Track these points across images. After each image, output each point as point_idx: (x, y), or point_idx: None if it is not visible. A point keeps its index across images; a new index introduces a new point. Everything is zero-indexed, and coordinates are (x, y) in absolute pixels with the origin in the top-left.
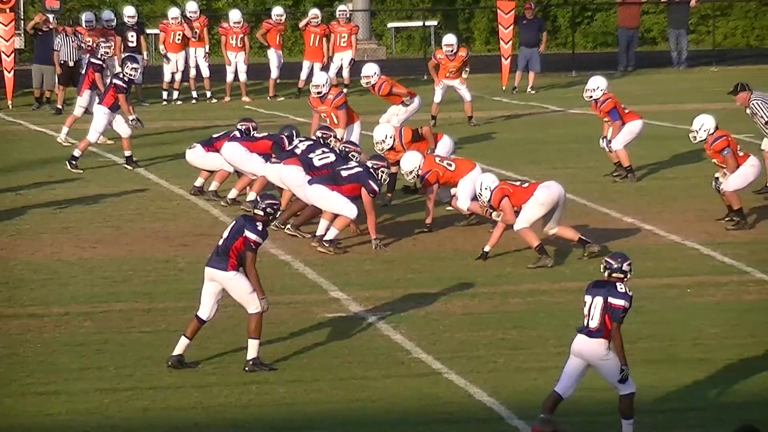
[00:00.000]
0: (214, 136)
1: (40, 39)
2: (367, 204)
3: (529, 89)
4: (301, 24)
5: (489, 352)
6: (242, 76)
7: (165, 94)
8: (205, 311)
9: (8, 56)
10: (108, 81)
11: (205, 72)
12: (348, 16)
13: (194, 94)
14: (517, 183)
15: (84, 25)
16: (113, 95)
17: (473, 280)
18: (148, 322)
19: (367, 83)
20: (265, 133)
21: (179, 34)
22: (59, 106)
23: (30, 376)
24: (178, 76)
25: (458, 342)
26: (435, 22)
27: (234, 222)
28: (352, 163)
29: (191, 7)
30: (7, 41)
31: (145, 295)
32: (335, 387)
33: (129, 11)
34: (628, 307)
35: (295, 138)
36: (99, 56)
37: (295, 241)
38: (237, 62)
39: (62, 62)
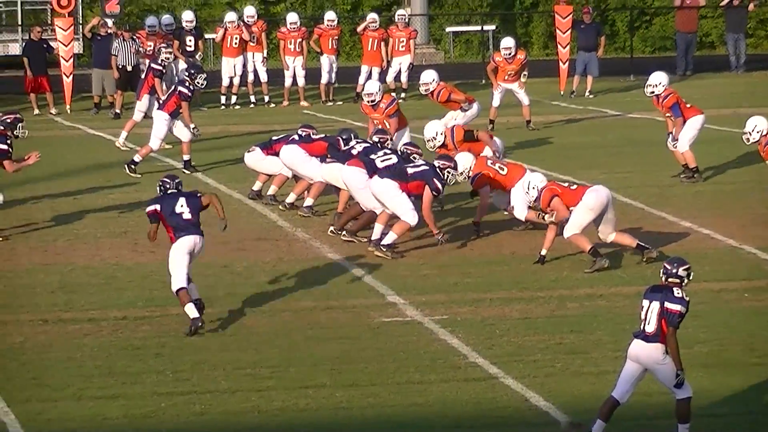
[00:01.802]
0: (274, 138)
1: (99, 43)
2: (427, 202)
3: (587, 93)
4: (360, 28)
5: (546, 356)
6: (300, 81)
7: (223, 99)
8: None
9: (67, 61)
10: (169, 87)
11: (263, 76)
12: (406, 20)
13: (252, 98)
14: (565, 184)
15: (146, 30)
16: (176, 102)
17: (530, 285)
18: (206, 326)
19: (425, 90)
20: (322, 135)
21: (237, 38)
22: (117, 111)
23: (87, 380)
24: (236, 81)
25: (515, 346)
26: (493, 27)
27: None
28: (419, 161)
29: (249, 12)
30: (66, 46)
31: (203, 299)
32: (392, 391)
33: (187, 15)
34: (685, 312)
35: (352, 140)
36: (160, 62)
37: (351, 246)
38: (295, 66)
39: (120, 67)
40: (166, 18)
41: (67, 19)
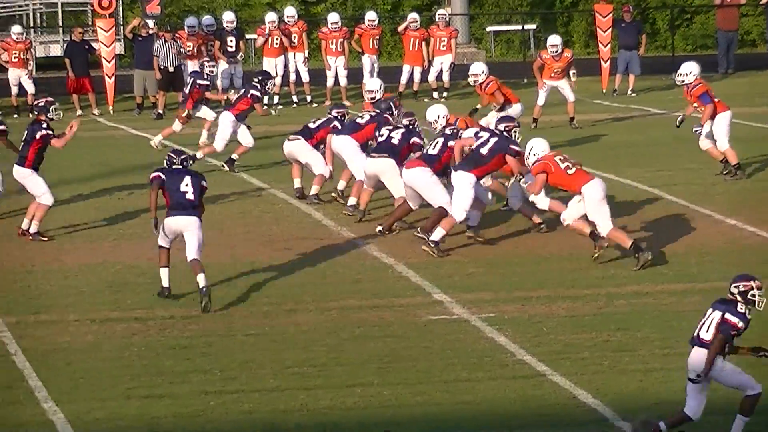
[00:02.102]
0: (311, 126)
1: (140, 44)
2: (515, 167)
3: (629, 92)
4: (400, 28)
5: (593, 353)
6: (342, 81)
7: (266, 99)
8: None
9: (109, 62)
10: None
11: (305, 77)
12: (447, 19)
13: (294, 98)
14: (563, 165)
15: (186, 30)
16: (248, 103)
17: (576, 282)
18: (252, 325)
19: (474, 81)
20: (368, 117)
21: (277, 39)
22: (160, 111)
23: (134, 379)
24: (277, 81)
25: (562, 344)
26: (534, 26)
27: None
28: (485, 135)
29: (289, 12)
30: (108, 47)
31: (250, 297)
32: (439, 389)
33: (228, 16)
34: (742, 327)
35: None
36: (205, 76)
37: (397, 245)
38: (337, 66)
39: (162, 68)
40: (207, 19)
41: (109, 20)
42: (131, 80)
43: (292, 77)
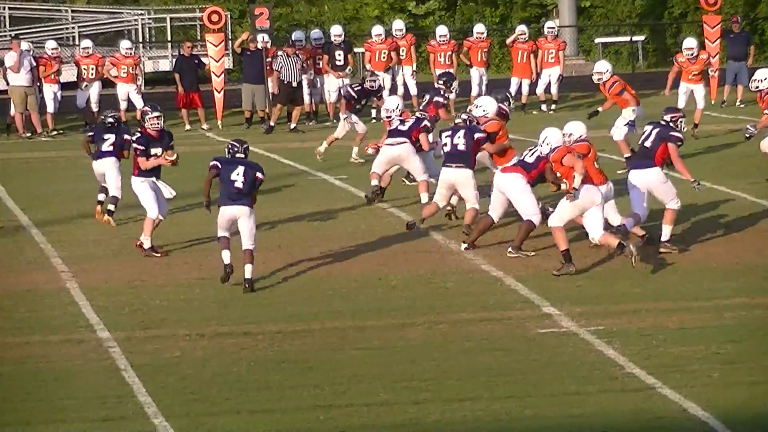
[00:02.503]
0: (401, 128)
1: (249, 58)
2: (675, 155)
3: (738, 103)
4: (509, 40)
5: (703, 366)
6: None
7: (373, 112)
8: None
9: (218, 76)
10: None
11: (413, 90)
12: (556, 32)
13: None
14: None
15: (294, 44)
16: (433, 112)
17: (685, 294)
18: (361, 340)
19: (598, 79)
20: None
21: (384, 53)
22: (271, 124)
23: (243, 394)
24: (385, 94)
25: (672, 357)
26: (642, 37)
27: None
28: (647, 129)
29: (397, 26)
30: (217, 61)
31: (359, 311)
32: (549, 402)
33: (336, 30)
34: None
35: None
36: (369, 86)
37: (505, 258)
38: None
39: (286, 82)
40: (315, 32)
41: (219, 35)
42: (239, 94)
43: (400, 90)
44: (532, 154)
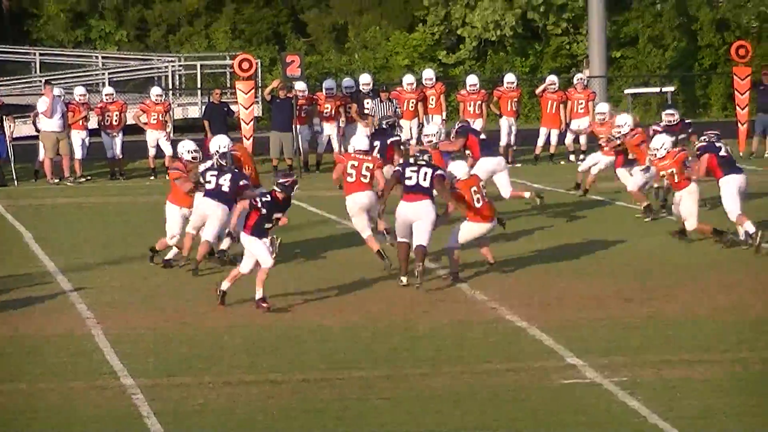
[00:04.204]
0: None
1: (278, 106)
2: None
3: (767, 154)
4: (538, 90)
5: (728, 418)
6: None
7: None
8: None
9: (247, 124)
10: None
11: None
12: (585, 82)
13: None
14: None
15: (324, 92)
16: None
17: (712, 346)
18: (388, 389)
19: (617, 132)
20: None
21: (413, 102)
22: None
23: None
24: (413, 142)
25: (696, 409)
26: (672, 88)
27: None
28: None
29: (427, 75)
30: (246, 108)
31: (385, 361)
32: None
33: (364, 78)
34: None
35: None
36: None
37: (530, 308)
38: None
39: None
40: (347, 80)
41: (249, 82)
42: (267, 142)
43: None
44: (425, 179)
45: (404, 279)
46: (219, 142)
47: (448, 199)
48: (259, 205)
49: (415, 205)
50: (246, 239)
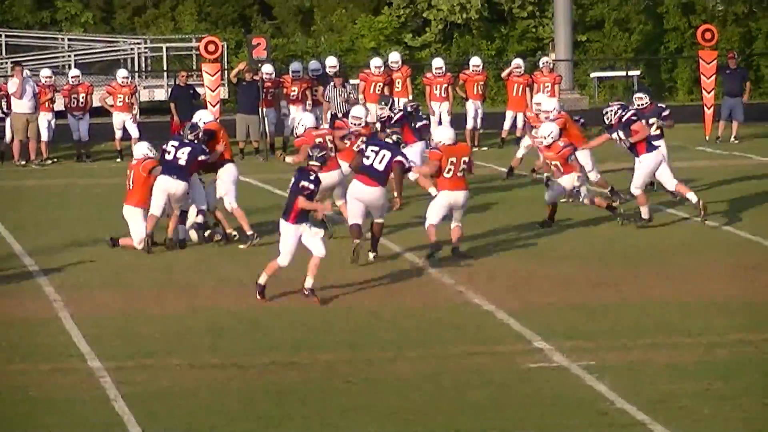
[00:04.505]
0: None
1: (244, 89)
2: None
3: (732, 139)
4: (504, 74)
5: (694, 402)
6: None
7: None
8: None
9: (214, 106)
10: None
11: None
12: (551, 65)
13: None
14: None
15: (291, 75)
16: None
17: (677, 330)
18: (353, 372)
19: (545, 117)
20: None
21: (380, 85)
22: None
23: (230, 424)
24: (378, 126)
25: (662, 392)
26: (638, 72)
27: None
28: None
29: (393, 57)
30: (213, 91)
31: (350, 345)
32: None
33: (330, 61)
34: None
35: None
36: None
37: (497, 291)
38: (441, 112)
39: (333, 114)
40: (313, 63)
41: (215, 65)
42: (233, 125)
43: None
44: (381, 161)
45: (371, 255)
46: (200, 116)
47: (399, 187)
48: (310, 185)
49: (368, 190)
50: (290, 230)
